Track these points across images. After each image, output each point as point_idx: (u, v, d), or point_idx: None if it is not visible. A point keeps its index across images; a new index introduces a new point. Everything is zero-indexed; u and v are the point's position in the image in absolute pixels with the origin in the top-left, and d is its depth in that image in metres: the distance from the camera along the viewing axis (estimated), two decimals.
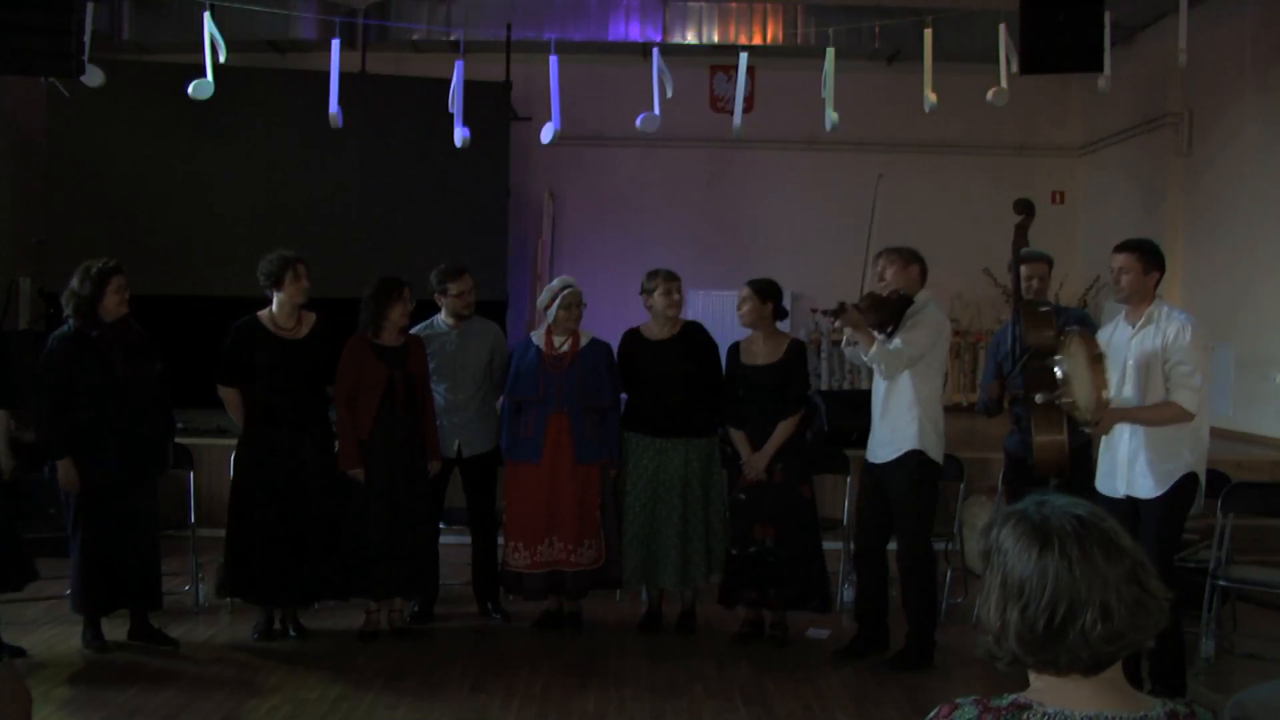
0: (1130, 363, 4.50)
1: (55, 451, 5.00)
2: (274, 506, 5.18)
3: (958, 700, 1.62)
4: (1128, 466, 4.50)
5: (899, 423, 5.02)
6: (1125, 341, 4.55)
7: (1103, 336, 4.65)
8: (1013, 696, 1.60)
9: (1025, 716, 1.57)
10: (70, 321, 5.05)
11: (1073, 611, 1.52)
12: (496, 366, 5.73)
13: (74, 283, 5.03)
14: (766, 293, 5.41)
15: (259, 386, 5.26)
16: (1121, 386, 4.51)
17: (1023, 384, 4.98)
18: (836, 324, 5.09)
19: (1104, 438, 4.58)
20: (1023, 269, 5.25)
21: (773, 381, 5.34)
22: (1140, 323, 4.50)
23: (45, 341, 5.15)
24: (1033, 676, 1.62)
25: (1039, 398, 4.67)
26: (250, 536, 5.21)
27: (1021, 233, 5.20)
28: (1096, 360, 4.37)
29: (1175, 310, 4.52)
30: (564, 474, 5.37)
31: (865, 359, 5.04)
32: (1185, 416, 4.36)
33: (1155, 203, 10.49)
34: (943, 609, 5.53)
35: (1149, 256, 4.51)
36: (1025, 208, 5.25)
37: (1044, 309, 5.09)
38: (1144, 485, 4.46)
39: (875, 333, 5.02)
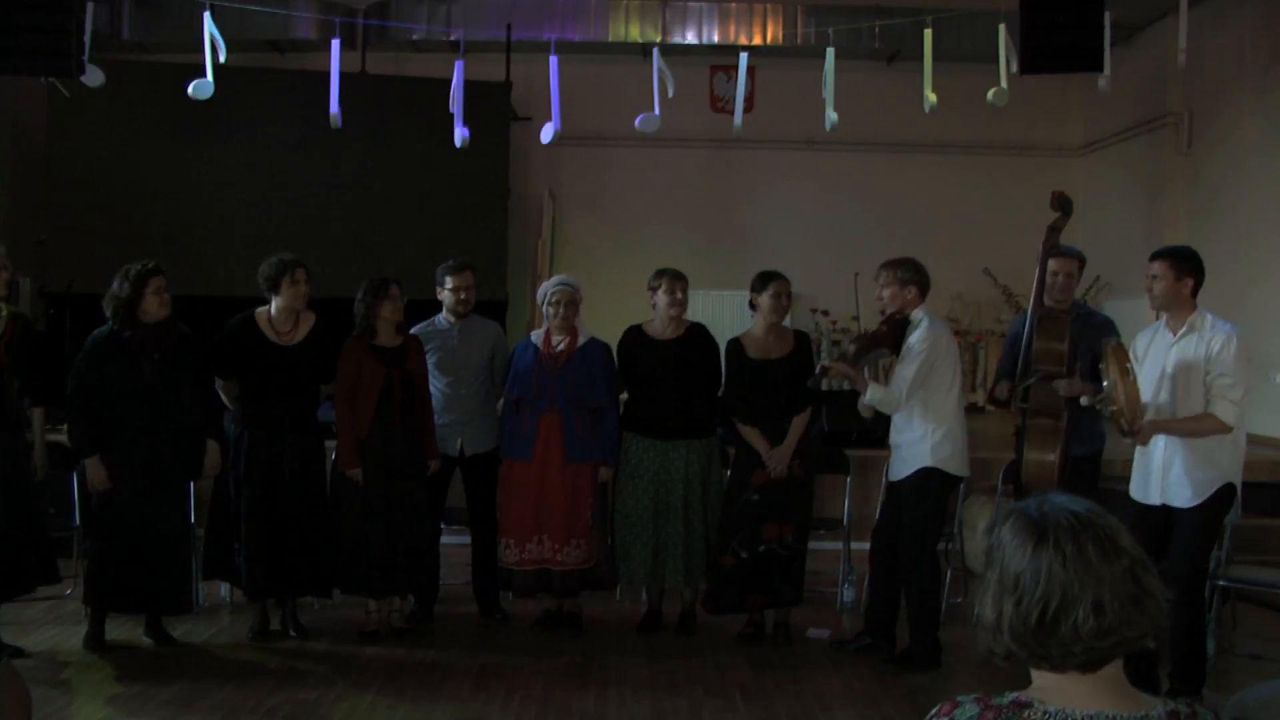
0: (1169, 370, 4.48)
1: (83, 450, 5.05)
2: (248, 503, 5.18)
3: (958, 698, 1.63)
4: (1162, 475, 4.49)
5: (911, 439, 5.03)
6: (1165, 348, 4.53)
7: (1141, 341, 4.66)
8: (1013, 695, 1.61)
9: (1026, 714, 1.57)
10: (110, 322, 5.09)
11: (1065, 606, 1.53)
12: (497, 365, 5.74)
13: (114, 284, 5.08)
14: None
15: (247, 386, 5.29)
16: (1158, 394, 4.50)
17: (1027, 398, 4.94)
18: (827, 380, 5.11)
19: (1138, 445, 4.58)
20: (1050, 263, 5.11)
21: (784, 375, 5.31)
22: (1182, 331, 4.48)
23: (84, 340, 5.18)
24: (1034, 675, 1.63)
25: (1090, 401, 4.62)
26: (226, 528, 5.24)
27: (1055, 232, 5.04)
28: (1125, 374, 4.38)
29: (1220, 320, 4.47)
30: (554, 472, 5.37)
31: (865, 401, 5.07)
32: (1223, 429, 4.36)
33: (1155, 202, 10.49)
34: (943, 609, 5.53)
35: (1181, 263, 4.47)
36: (1062, 204, 5.05)
37: (1061, 316, 4.97)
38: (1180, 494, 4.45)
39: (887, 353, 5.07)
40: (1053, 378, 4.85)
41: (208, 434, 5.25)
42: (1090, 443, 5.18)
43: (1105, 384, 4.44)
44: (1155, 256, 4.54)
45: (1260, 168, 9.01)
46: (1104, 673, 1.58)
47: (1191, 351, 4.43)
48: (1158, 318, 4.69)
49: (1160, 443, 4.49)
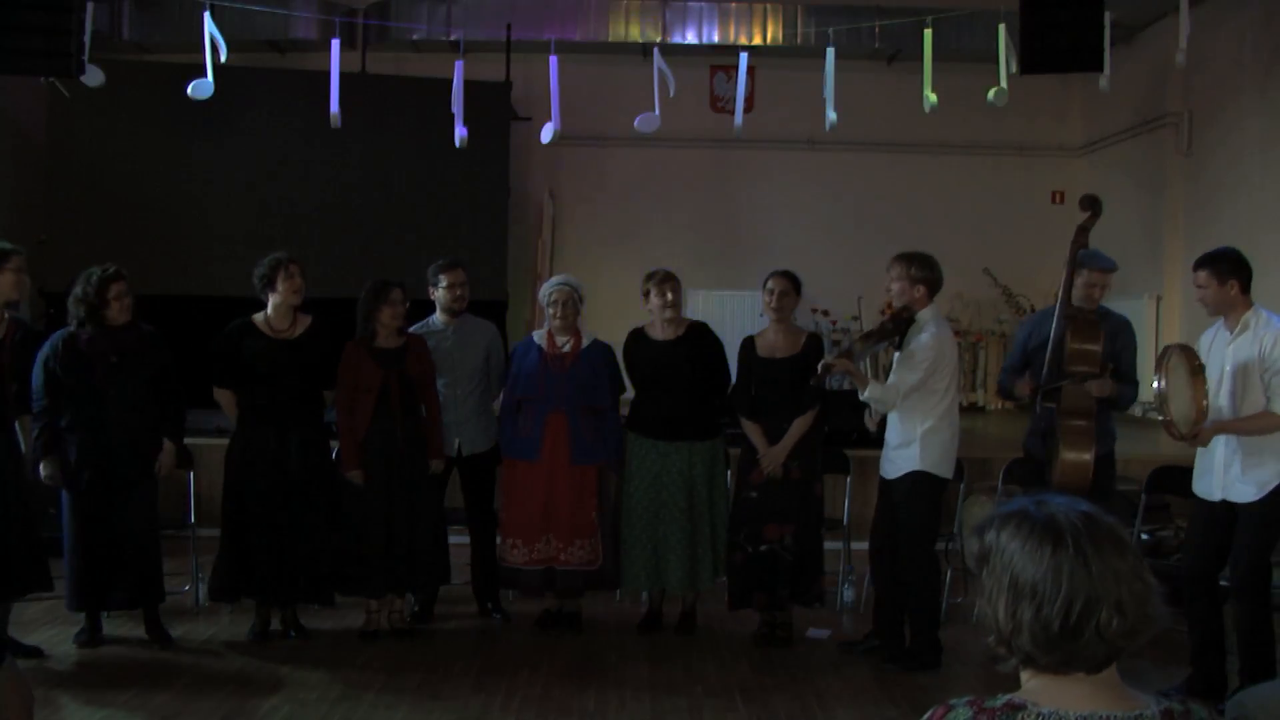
0: (1228, 369, 4.53)
1: (36, 450, 5.06)
2: (260, 507, 5.18)
3: (951, 701, 1.62)
4: (1224, 472, 4.54)
5: (902, 442, 5.03)
6: (1224, 348, 4.58)
7: (1204, 341, 4.69)
8: (1007, 697, 1.60)
9: (1020, 717, 1.56)
10: (72, 324, 5.09)
11: (1088, 609, 1.51)
12: (494, 365, 5.74)
13: (77, 288, 5.08)
14: (799, 284, 5.43)
15: (249, 386, 5.28)
16: (1218, 394, 4.54)
17: (1057, 398, 4.94)
18: (831, 376, 5.09)
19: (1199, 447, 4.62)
20: (1088, 275, 5.08)
21: (791, 375, 5.29)
22: (1237, 329, 4.53)
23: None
24: (1025, 676, 1.61)
25: (1165, 409, 4.61)
26: (240, 537, 5.22)
27: (1084, 233, 5.05)
28: (1197, 373, 4.42)
29: (1274, 316, 4.50)
30: (561, 473, 5.37)
31: (862, 398, 5.07)
32: None
33: (1155, 202, 10.50)
34: (943, 609, 5.53)
35: (1221, 266, 4.52)
36: (1092, 205, 5.07)
37: (1093, 318, 4.99)
38: (1242, 491, 4.49)
39: (886, 345, 5.08)
40: (1085, 378, 4.88)
41: (165, 433, 5.21)
42: (1104, 442, 5.18)
43: (1156, 388, 4.48)
44: (1197, 266, 4.60)
45: (1260, 168, 9.01)
46: (1100, 674, 1.57)
47: (1246, 350, 4.49)
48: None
49: (1221, 440, 4.54)
